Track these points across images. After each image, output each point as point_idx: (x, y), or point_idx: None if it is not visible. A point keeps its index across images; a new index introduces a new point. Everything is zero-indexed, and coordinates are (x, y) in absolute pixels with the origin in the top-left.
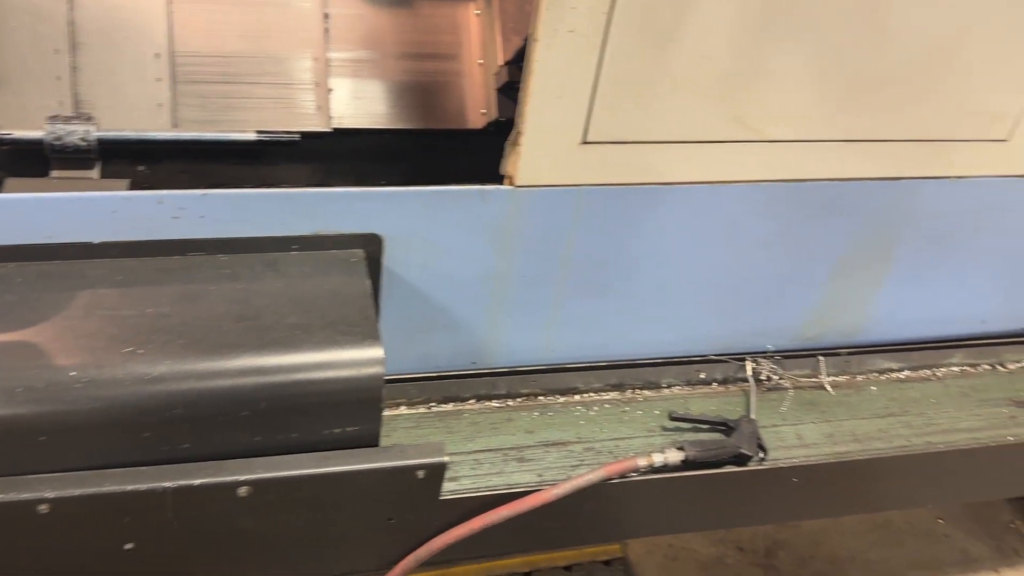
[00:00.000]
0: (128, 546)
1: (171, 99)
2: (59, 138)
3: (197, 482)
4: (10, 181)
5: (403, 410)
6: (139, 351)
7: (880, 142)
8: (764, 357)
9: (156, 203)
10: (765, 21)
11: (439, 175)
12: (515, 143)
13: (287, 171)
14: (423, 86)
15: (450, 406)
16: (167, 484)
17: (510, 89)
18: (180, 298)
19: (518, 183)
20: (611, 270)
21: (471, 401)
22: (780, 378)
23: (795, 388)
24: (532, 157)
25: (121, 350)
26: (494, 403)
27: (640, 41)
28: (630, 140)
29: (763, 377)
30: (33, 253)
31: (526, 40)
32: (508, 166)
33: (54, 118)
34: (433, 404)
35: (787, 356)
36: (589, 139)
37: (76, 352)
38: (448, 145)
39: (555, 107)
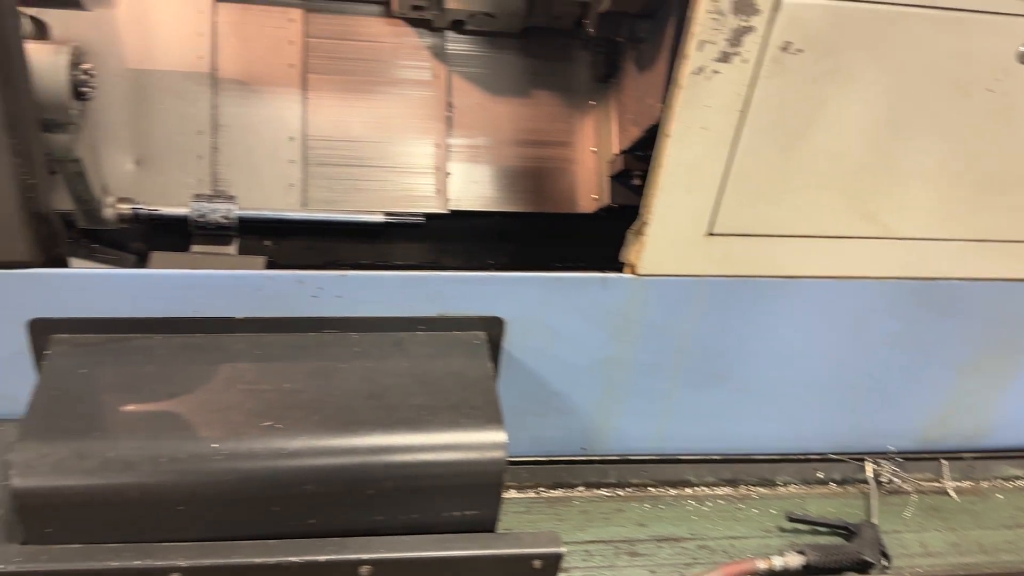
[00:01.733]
0: None
1: (302, 180)
2: (203, 215)
3: (323, 559)
4: (155, 255)
5: (513, 493)
6: (276, 425)
7: (1011, 243)
8: (885, 458)
9: (297, 283)
10: (897, 120)
11: (548, 257)
12: (639, 232)
13: (402, 249)
14: (536, 171)
15: (559, 492)
16: (294, 559)
17: (624, 177)
18: (314, 374)
19: (640, 272)
20: (729, 362)
21: (580, 488)
22: (902, 481)
23: (917, 492)
24: (656, 247)
25: (259, 424)
26: (603, 491)
27: (772, 138)
28: (756, 233)
29: (884, 479)
30: (179, 326)
31: (647, 131)
32: (630, 255)
33: (199, 196)
34: (542, 489)
35: (908, 458)
36: (715, 231)
37: (217, 424)
38: (558, 228)
39: (682, 200)
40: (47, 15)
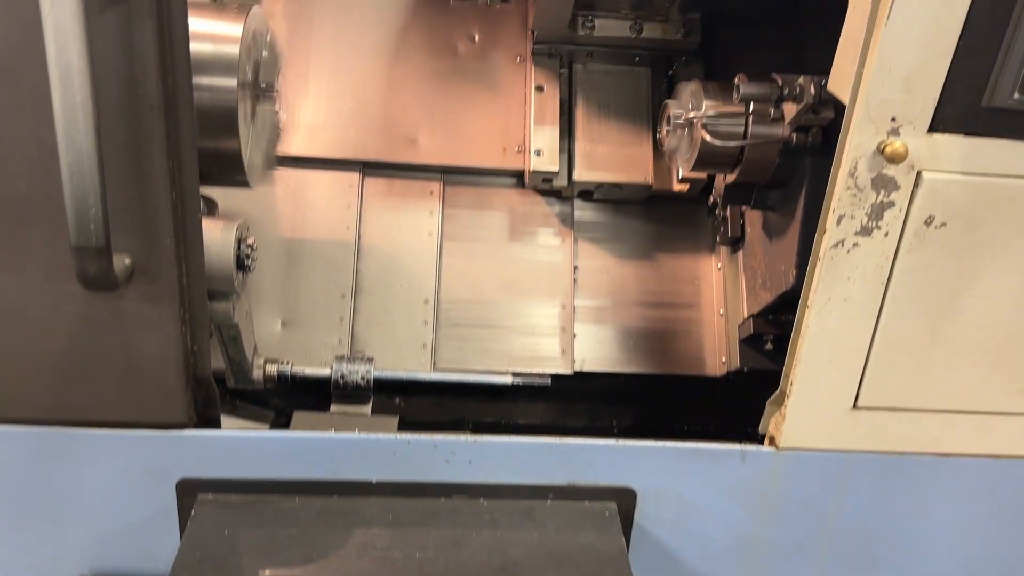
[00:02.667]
0: None
1: (434, 340)
2: (343, 376)
3: None
4: (297, 415)
5: None
6: None
7: None
8: None
9: (431, 447)
10: None
11: (674, 420)
12: (779, 404)
13: (525, 408)
14: (661, 332)
15: None
16: None
17: (755, 341)
18: (445, 543)
19: (781, 445)
20: (878, 545)
21: None
22: None
23: None
24: (798, 420)
25: None
26: None
27: (917, 310)
28: (905, 407)
29: None
30: (318, 489)
31: (779, 297)
32: (770, 426)
33: (340, 358)
34: None
35: None
36: (860, 404)
37: None
38: (684, 391)
39: (825, 371)
40: (213, 191)
